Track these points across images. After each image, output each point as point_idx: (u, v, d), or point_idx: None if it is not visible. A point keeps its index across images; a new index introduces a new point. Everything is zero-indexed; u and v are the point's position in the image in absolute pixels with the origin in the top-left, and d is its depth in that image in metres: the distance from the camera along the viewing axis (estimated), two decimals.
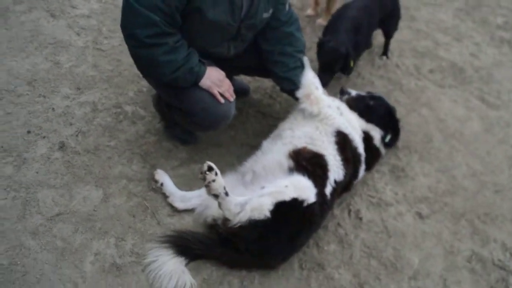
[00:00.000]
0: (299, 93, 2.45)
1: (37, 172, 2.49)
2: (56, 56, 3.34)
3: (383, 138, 2.67)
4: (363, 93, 2.86)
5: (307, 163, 2.20)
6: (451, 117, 3.27)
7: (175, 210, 2.38)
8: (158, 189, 2.46)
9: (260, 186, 2.14)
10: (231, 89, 2.36)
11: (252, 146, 2.76)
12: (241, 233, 2.01)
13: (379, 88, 3.43)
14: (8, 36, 3.41)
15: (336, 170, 2.27)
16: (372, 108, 2.68)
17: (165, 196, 2.42)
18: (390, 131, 2.70)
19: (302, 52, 2.52)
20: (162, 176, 2.47)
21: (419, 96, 3.43)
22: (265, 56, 2.51)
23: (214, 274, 2.14)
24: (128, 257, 2.17)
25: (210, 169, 2.00)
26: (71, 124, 2.83)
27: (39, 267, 2.08)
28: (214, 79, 2.27)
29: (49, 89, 3.11)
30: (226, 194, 2.01)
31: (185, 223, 2.36)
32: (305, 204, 2.04)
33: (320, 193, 2.14)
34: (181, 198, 2.38)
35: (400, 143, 2.91)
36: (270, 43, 2.46)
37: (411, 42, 4.02)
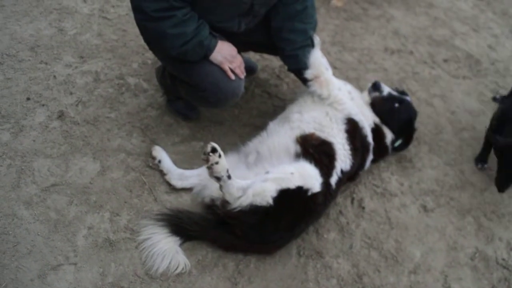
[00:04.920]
0: (308, 74, 2.30)
1: (34, 141, 2.38)
2: (61, 23, 3.19)
3: (393, 141, 2.53)
4: (394, 93, 2.62)
5: (315, 150, 2.07)
6: (463, 109, 3.11)
7: (173, 188, 2.28)
8: (155, 166, 2.35)
9: (264, 169, 2.03)
10: (243, 65, 2.22)
11: (256, 126, 2.63)
12: (240, 217, 1.90)
13: (391, 75, 3.26)
14: None
15: (343, 160, 2.15)
16: (394, 112, 2.49)
17: (162, 174, 2.31)
18: (403, 138, 2.55)
19: (313, 30, 2.35)
20: (160, 153, 2.36)
21: (431, 85, 3.26)
22: (274, 32, 2.35)
23: (209, 255, 2.05)
24: (122, 233, 2.08)
25: (213, 150, 1.87)
26: (71, 93, 2.71)
27: (31, 238, 2.00)
28: (226, 54, 2.13)
29: (52, 56, 2.97)
30: (229, 177, 1.90)
31: (183, 202, 2.26)
32: (309, 193, 1.93)
33: (325, 183, 2.02)
34: (179, 176, 2.27)
35: None
36: (280, 19, 2.30)
37: (427, 29, 3.82)
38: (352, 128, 2.23)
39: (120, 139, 2.49)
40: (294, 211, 1.92)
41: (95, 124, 2.54)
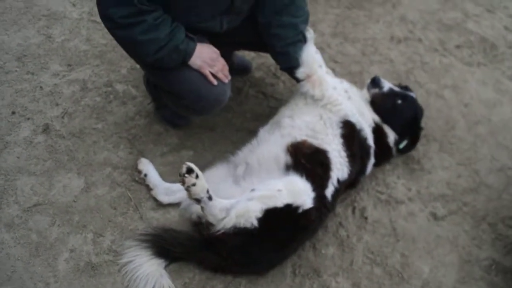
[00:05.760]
0: (299, 73, 2.07)
1: (18, 157, 2.26)
2: (49, 29, 3.05)
3: (397, 142, 2.27)
4: (396, 88, 2.34)
5: (307, 160, 1.86)
6: (478, 100, 2.80)
7: (159, 204, 2.11)
8: (141, 180, 2.18)
9: (252, 184, 1.84)
10: (226, 69, 2.02)
11: (250, 131, 2.42)
12: (224, 239, 1.71)
13: (398, 66, 2.97)
14: (2, 7, 3.13)
15: (340, 168, 1.92)
16: (397, 110, 2.22)
17: (148, 188, 2.14)
18: (408, 138, 2.28)
19: (304, 23, 2.11)
20: (146, 166, 2.19)
21: (442, 75, 2.94)
22: (262, 29, 2.12)
23: (197, 278, 1.88)
24: (105, 255, 1.94)
25: (189, 171, 1.69)
26: (57, 105, 2.57)
27: (11, 264, 1.88)
28: (206, 58, 1.93)
29: (39, 65, 2.84)
30: (210, 198, 1.71)
31: (170, 218, 2.09)
32: (300, 210, 1.72)
33: (319, 196, 1.81)
34: (166, 191, 2.10)
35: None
36: (267, 14, 2.07)
37: (436, 13, 3.47)
38: (349, 131, 2.00)
39: (106, 152, 2.34)
40: (284, 231, 1.72)
41: (80, 137, 2.40)
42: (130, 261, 1.85)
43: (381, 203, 2.18)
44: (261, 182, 1.79)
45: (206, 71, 1.91)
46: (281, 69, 2.25)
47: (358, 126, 2.05)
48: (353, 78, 2.86)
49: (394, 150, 2.27)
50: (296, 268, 1.92)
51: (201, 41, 2.00)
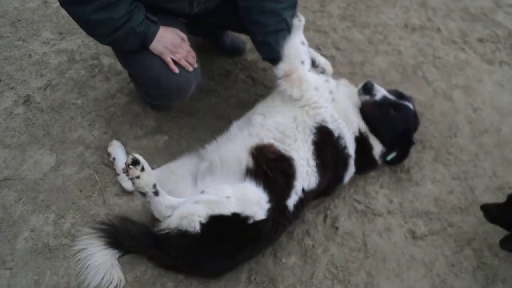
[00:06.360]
0: (279, 69, 1.86)
1: None
2: None
3: (384, 154, 2.02)
4: (391, 96, 2.04)
5: (269, 166, 1.69)
6: (490, 106, 2.46)
7: (124, 190, 2.02)
8: (110, 164, 2.09)
9: (205, 187, 1.69)
10: (191, 55, 1.84)
11: (231, 120, 2.25)
12: (170, 239, 1.61)
13: (406, 59, 2.65)
14: None
15: (306, 178, 1.74)
16: (388, 121, 1.96)
17: (116, 173, 2.05)
18: (397, 151, 2.03)
19: (289, 10, 1.86)
20: (116, 150, 2.09)
21: (455, 73, 2.60)
22: (242, 14, 1.91)
23: (149, 272, 1.80)
24: (63, 238, 1.90)
25: (135, 162, 1.57)
26: (42, 76, 2.51)
27: None
28: (167, 43, 1.76)
29: (31, 31, 2.76)
30: (156, 193, 1.59)
31: (133, 207, 2.01)
32: (250, 221, 1.58)
33: (278, 207, 1.65)
34: None
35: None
36: None
37: (463, 0, 3.05)
38: (324, 138, 1.79)
39: (81, 130, 2.26)
40: (231, 240, 1.59)
41: (59, 112, 2.33)
42: (84, 249, 1.79)
43: (356, 213, 1.98)
44: (216, 184, 1.64)
45: (168, 58, 1.75)
46: (264, 59, 2.03)
47: (336, 133, 1.83)
48: (353, 68, 2.59)
49: (379, 161, 2.04)
50: (252, 274, 1.80)
51: (171, 24, 1.82)
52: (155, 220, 1.83)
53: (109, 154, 2.11)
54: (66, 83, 2.46)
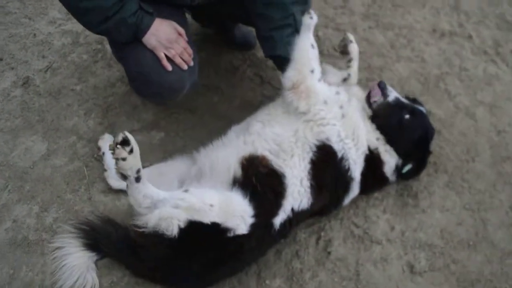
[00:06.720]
0: (286, 79, 1.68)
1: None
2: None
3: (399, 167, 1.83)
4: (404, 100, 1.86)
5: (258, 181, 1.54)
6: None
7: (111, 188, 1.93)
8: (100, 158, 1.99)
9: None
10: (188, 53, 1.69)
11: (232, 121, 2.11)
12: (147, 243, 1.50)
13: (429, 68, 2.40)
14: None
15: (297, 198, 1.58)
16: (404, 127, 1.78)
17: (104, 169, 1.96)
18: (413, 163, 1.84)
19: (299, 4, 1.68)
20: (106, 145, 1.98)
21: (481, 88, 2.34)
22: (248, 6, 1.74)
23: (126, 279, 1.71)
24: (43, 233, 1.83)
25: (124, 142, 1.45)
26: (43, 57, 2.42)
27: None
28: (162, 38, 1.62)
29: (39, 9, 2.67)
30: (138, 179, 1.49)
31: (119, 206, 1.91)
32: (229, 234, 1.45)
33: (263, 224, 1.51)
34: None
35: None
36: None
37: (500, 5, 2.72)
38: (324, 158, 1.61)
39: (76, 118, 2.17)
40: (209, 251, 1.46)
41: (56, 97, 2.25)
42: (61, 248, 1.71)
43: (353, 238, 1.81)
44: (203, 188, 1.52)
45: (161, 53, 1.61)
46: (266, 56, 1.84)
47: (340, 154, 1.65)
48: (370, 74, 2.37)
49: (392, 178, 1.85)
50: None
51: (171, 17, 1.67)
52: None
53: (99, 148, 2.01)
54: (67, 67, 2.37)
